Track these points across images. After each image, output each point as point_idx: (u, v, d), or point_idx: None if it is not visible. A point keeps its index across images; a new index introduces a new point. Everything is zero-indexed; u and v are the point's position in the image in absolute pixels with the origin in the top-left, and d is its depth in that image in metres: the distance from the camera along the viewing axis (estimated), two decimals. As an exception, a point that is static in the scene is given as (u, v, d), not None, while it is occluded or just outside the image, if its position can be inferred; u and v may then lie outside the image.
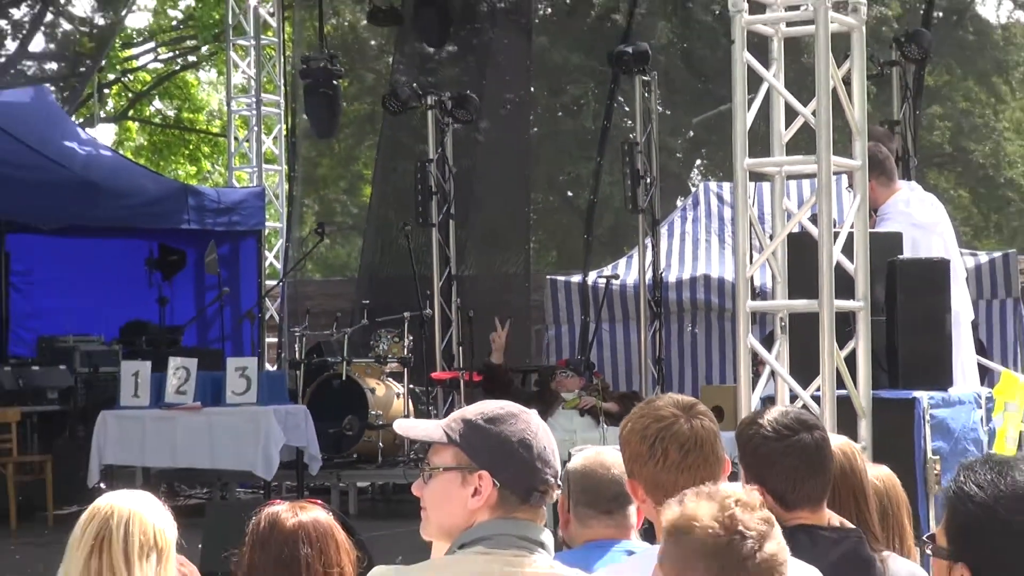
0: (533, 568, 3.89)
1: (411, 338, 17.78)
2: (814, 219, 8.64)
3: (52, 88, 20.04)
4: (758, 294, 9.03)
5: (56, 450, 15.40)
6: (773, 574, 3.26)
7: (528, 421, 4.02)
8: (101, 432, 14.39)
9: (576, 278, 19.52)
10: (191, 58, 31.05)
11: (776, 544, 3.29)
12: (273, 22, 21.43)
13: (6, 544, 12.95)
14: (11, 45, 23.47)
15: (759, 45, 8.74)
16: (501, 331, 16.45)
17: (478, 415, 4.02)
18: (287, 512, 4.57)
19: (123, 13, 25.61)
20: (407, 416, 16.05)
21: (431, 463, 4.08)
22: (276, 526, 4.50)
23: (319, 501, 4.93)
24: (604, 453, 4.86)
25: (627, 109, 18.11)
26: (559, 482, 4.16)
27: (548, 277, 19.89)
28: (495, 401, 4.18)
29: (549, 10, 23.79)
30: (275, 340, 19.99)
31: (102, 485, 10.98)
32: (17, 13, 23.72)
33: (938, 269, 9.21)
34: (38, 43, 24.17)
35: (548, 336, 19.28)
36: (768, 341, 8.80)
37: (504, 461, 3.94)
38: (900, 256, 9.09)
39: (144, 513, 5.14)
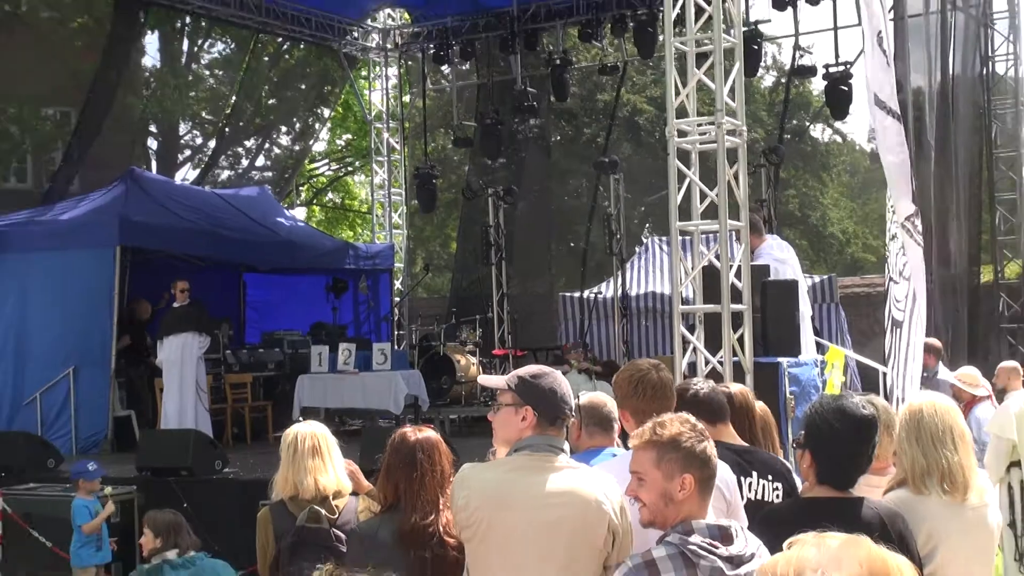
0: (558, 463, 3.89)
1: (480, 330, 17.79)
2: (718, 257, 8.60)
3: (269, 187, 20.11)
4: (685, 302, 8.99)
5: (274, 398, 15.42)
6: (711, 459, 3.42)
7: (555, 376, 4.04)
8: (300, 387, 14.43)
9: (577, 294, 19.49)
10: (349, 168, 31.07)
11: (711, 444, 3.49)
12: (398, 147, 21.50)
13: (245, 454, 12.96)
14: (245, 162, 23.61)
15: (684, 155, 8.70)
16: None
17: (526, 373, 4.05)
18: (411, 432, 4.58)
19: (310, 143, 25.75)
20: (479, 375, 16.03)
21: (498, 401, 4.10)
22: (404, 440, 4.52)
23: (430, 425, 4.93)
24: (600, 395, 4.85)
25: (605, 194, 17.98)
26: (573, 414, 4.16)
27: (560, 294, 19.79)
28: (537, 365, 4.20)
29: (559, 137, 23.76)
30: (401, 333, 19.96)
31: (300, 419, 10.99)
32: (249, 143, 23.83)
33: (790, 286, 9.15)
34: (260, 160, 24.26)
35: (561, 329, 19.22)
36: (691, 329, 8.75)
37: (540, 400, 3.95)
38: (767, 278, 9.04)
39: (327, 431, 5.19)
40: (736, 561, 3.17)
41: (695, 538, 3.20)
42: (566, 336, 18.88)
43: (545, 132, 22.36)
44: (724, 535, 3.23)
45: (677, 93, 8.69)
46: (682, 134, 8.69)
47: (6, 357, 14.29)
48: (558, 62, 18.54)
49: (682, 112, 8.71)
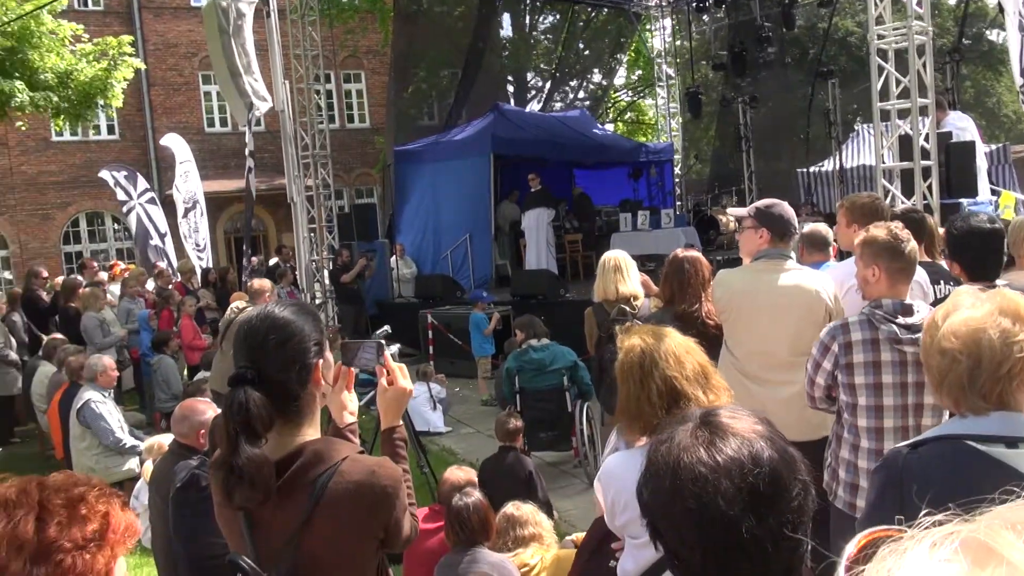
0: (787, 266, 3.69)
1: (736, 197, 17.12)
2: (911, 127, 7.80)
3: (587, 110, 19.89)
4: (884, 162, 8.24)
5: (596, 249, 15.08)
6: (903, 255, 3.03)
7: (783, 206, 3.81)
8: (613, 241, 13.52)
9: (804, 169, 18.33)
10: (641, 93, 30.08)
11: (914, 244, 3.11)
12: (674, 75, 20.64)
13: (578, 285, 12.88)
14: (571, 95, 23.45)
15: (882, 53, 7.87)
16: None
17: (762, 204, 3.84)
18: (681, 251, 4.38)
19: (613, 79, 25.19)
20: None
21: (742, 225, 3.89)
22: (675, 257, 4.34)
23: (697, 248, 4.76)
24: (819, 225, 4.55)
25: (824, 96, 16.62)
26: (796, 231, 3.90)
27: (797, 169, 18.69)
28: (770, 199, 3.94)
29: (789, 59, 21.92)
30: (679, 202, 19.33)
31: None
32: (572, 83, 23.63)
33: (969, 146, 8.14)
34: (580, 93, 24.00)
35: (795, 193, 18.10)
36: (891, 182, 8.00)
37: (773, 223, 3.74)
38: (951, 141, 8.11)
39: (626, 254, 5.09)
40: (913, 329, 2.89)
41: (880, 311, 2.95)
42: (799, 198, 17.87)
43: (779, 54, 20.76)
44: (905, 310, 2.95)
45: (876, 6, 7.85)
46: (880, 37, 7.86)
47: (428, 229, 15.16)
48: (786, 2, 17.17)
49: (880, 21, 7.87)
